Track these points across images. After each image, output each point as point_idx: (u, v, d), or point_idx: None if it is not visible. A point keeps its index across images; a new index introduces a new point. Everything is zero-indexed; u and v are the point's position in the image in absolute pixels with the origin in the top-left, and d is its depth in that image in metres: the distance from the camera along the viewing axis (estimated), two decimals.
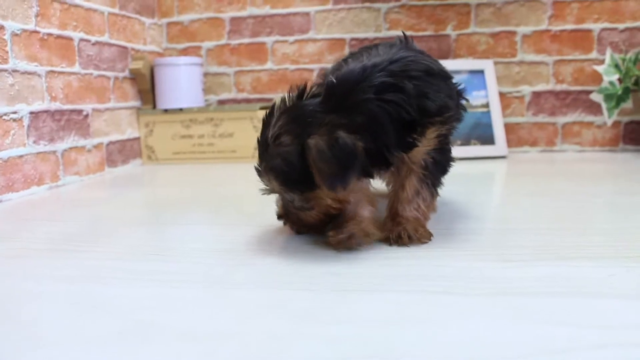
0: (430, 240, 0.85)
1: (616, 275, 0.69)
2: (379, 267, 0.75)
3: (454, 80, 0.91)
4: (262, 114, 1.93)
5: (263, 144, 0.82)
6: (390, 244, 0.84)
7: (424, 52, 0.92)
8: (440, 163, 0.88)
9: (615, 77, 1.89)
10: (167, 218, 1.15)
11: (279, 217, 0.90)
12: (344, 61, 0.92)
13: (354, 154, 0.74)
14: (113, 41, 1.88)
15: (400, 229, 0.84)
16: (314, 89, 0.83)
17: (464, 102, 0.95)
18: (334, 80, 0.79)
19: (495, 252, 0.80)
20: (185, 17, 2.23)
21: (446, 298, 0.62)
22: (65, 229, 1.06)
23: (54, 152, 1.57)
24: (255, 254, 0.84)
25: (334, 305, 0.62)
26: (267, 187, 0.85)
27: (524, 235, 0.89)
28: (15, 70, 1.41)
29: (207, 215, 1.18)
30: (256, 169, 0.85)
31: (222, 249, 0.88)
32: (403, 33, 0.95)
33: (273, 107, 0.84)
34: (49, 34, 1.55)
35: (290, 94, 0.83)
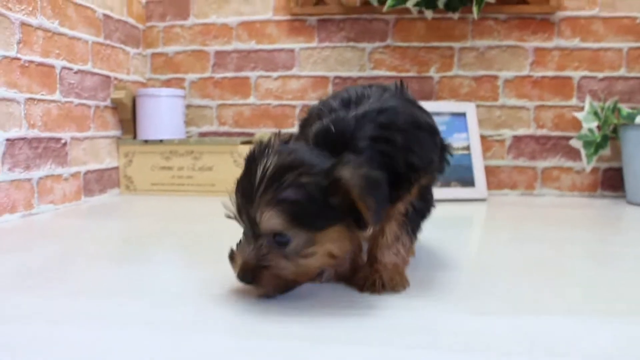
0: (404, 289, 0.83)
1: (587, 334, 0.67)
2: (351, 317, 0.73)
3: (440, 135, 0.92)
4: (243, 148, 1.93)
5: (260, 177, 0.72)
6: (362, 291, 0.82)
7: (415, 102, 0.91)
8: (420, 210, 0.87)
9: (594, 124, 1.91)
10: (138, 254, 1.12)
11: (244, 276, 0.75)
12: (333, 99, 0.87)
13: (384, 187, 0.73)
14: (96, 70, 1.87)
15: (376, 277, 0.82)
16: (293, 138, 0.81)
17: (449, 156, 0.96)
18: (332, 127, 0.78)
19: (467, 303, 0.79)
20: (170, 49, 2.23)
21: (411, 353, 0.61)
22: (30, 262, 1.02)
23: (29, 180, 1.54)
24: (224, 298, 0.81)
25: (301, 356, 0.60)
26: (249, 226, 0.74)
27: (499, 285, 0.88)
28: None
29: (179, 253, 1.15)
30: (240, 203, 0.75)
31: (189, 290, 0.85)
32: (400, 81, 0.93)
33: (261, 144, 0.78)
34: (30, 61, 1.53)
35: (273, 138, 0.79)
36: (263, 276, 0.74)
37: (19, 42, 1.49)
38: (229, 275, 0.91)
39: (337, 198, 0.72)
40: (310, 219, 0.72)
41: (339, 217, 0.73)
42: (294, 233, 0.73)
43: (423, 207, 0.88)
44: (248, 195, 0.73)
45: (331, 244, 0.75)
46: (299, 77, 2.14)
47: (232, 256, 0.78)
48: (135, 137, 2.07)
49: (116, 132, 2.03)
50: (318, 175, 0.72)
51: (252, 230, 0.74)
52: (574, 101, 2.03)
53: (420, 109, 0.90)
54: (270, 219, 0.72)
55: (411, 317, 0.72)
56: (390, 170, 0.77)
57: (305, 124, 0.87)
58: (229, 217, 0.77)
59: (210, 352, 0.60)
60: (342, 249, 0.77)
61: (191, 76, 2.23)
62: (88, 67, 1.82)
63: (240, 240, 0.77)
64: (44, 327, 0.68)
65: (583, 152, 1.94)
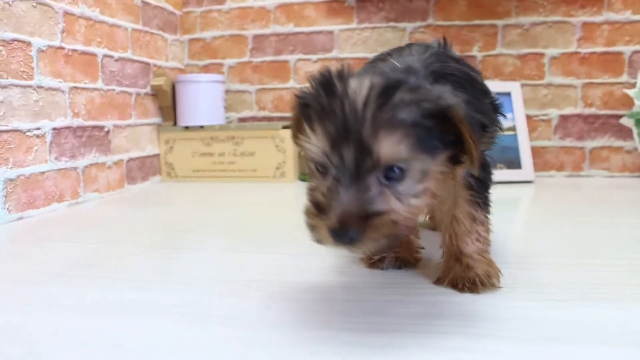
0: (499, 284, 0.76)
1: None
2: (409, 304, 0.71)
3: (492, 94, 0.84)
4: (284, 133, 1.91)
5: (361, 100, 0.58)
6: (462, 290, 0.75)
7: (462, 60, 0.84)
8: (484, 180, 0.79)
9: None
10: (181, 242, 1.12)
11: (345, 231, 0.56)
12: (381, 60, 0.79)
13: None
14: (136, 57, 1.87)
15: (472, 274, 0.75)
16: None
17: (501, 118, 0.86)
18: (398, 65, 0.69)
19: (520, 290, 0.76)
20: (208, 34, 2.22)
21: (478, 340, 0.58)
22: (77, 251, 1.03)
23: (75, 168, 1.55)
24: (267, 286, 0.80)
25: (370, 348, 0.58)
26: (351, 161, 0.58)
27: (549, 272, 0.85)
28: (39, 87, 1.40)
29: (223, 240, 1.14)
30: (333, 132, 0.58)
31: (235, 280, 0.84)
32: (443, 38, 0.87)
33: (328, 72, 0.63)
34: (74, 50, 1.54)
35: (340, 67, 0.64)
36: (374, 226, 0.57)
37: (62, 32, 1.49)
38: (282, 264, 0.90)
39: (442, 126, 0.60)
40: (428, 147, 0.60)
41: (444, 147, 0.62)
42: (414, 163, 0.59)
43: (485, 176, 0.78)
44: (348, 121, 0.57)
45: (435, 180, 0.63)
46: (338, 59, 2.11)
47: (318, 209, 0.59)
48: (175, 123, 2.07)
49: (156, 119, 2.04)
50: (431, 95, 0.60)
51: (356, 167, 0.58)
52: (624, 77, 1.95)
53: (470, 66, 0.83)
54: (392, 146, 0.57)
55: (460, 304, 0.70)
56: None
57: None
58: (312, 159, 0.62)
59: (253, 341, 0.59)
60: (440, 190, 0.66)
61: (229, 61, 2.21)
62: (128, 54, 1.82)
63: (319, 187, 0.61)
64: (89, 317, 0.68)
65: (635, 130, 1.87)
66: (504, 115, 0.87)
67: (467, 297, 0.73)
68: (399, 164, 0.58)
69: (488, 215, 0.81)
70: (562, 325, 0.63)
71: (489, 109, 0.80)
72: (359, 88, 0.59)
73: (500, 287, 0.76)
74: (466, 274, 0.76)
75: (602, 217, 1.30)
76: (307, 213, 0.61)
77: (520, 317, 0.66)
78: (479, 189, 0.78)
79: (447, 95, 0.61)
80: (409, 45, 0.85)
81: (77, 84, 1.55)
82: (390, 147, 0.57)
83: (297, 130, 0.67)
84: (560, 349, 0.56)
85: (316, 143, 0.60)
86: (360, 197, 0.57)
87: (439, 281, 0.79)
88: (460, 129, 0.61)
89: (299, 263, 0.91)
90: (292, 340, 0.60)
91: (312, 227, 0.60)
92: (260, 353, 0.57)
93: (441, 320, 0.65)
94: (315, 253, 0.90)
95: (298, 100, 0.66)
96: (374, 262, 0.86)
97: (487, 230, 0.80)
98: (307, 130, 0.61)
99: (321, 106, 0.60)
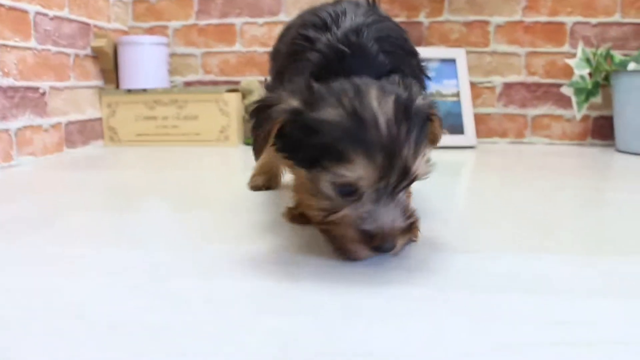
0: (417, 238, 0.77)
1: (580, 272, 0.66)
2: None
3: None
4: (228, 96, 1.89)
5: (388, 119, 0.61)
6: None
7: (391, 18, 0.86)
8: None
9: (586, 71, 1.88)
10: (124, 204, 1.10)
11: (394, 245, 0.63)
12: (303, 27, 0.79)
13: None
14: (73, 17, 1.80)
15: None
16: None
17: (426, 80, 0.89)
18: (346, 49, 0.72)
19: (458, 244, 0.78)
20: None
21: (405, 290, 0.59)
22: (12, 212, 1.00)
23: (7, 130, 1.50)
24: (209, 241, 0.79)
25: (290, 296, 0.58)
26: (394, 181, 0.62)
27: (488, 229, 0.87)
28: None
29: (165, 201, 1.13)
30: (383, 158, 0.60)
31: (173, 236, 0.83)
32: None
33: (320, 94, 0.65)
34: (0, 5, 1.47)
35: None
36: (410, 232, 0.66)
37: None
38: (215, 219, 0.89)
39: None
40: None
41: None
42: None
43: None
44: (388, 147, 0.60)
45: None
46: (285, 22, 2.07)
47: (366, 234, 0.62)
48: (117, 87, 2.02)
49: (98, 82, 1.98)
50: (424, 107, 0.67)
51: (394, 186, 0.62)
52: (566, 47, 1.99)
53: (398, 26, 0.85)
54: (426, 162, 0.65)
55: (400, 258, 0.71)
56: None
57: (285, 58, 0.81)
58: (339, 183, 0.62)
59: (190, 290, 0.59)
60: None
61: (174, 24, 2.16)
62: (65, 13, 1.75)
63: (353, 207, 0.63)
64: (29, 274, 0.66)
65: (574, 99, 1.91)
66: (429, 78, 0.89)
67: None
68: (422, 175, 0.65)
69: None
70: (481, 275, 0.65)
71: (419, 71, 0.81)
72: (383, 109, 0.61)
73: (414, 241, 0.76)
74: None
75: (544, 181, 1.33)
76: (350, 241, 0.64)
77: (448, 268, 0.67)
78: None
79: (432, 102, 0.69)
80: (339, 2, 0.84)
81: (6, 42, 1.49)
82: (422, 165, 0.63)
83: (266, 144, 0.67)
84: (481, 297, 0.58)
85: (355, 170, 0.60)
86: (401, 214, 0.63)
87: None
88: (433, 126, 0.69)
89: (237, 221, 0.90)
90: (236, 291, 0.60)
91: (352, 252, 0.65)
92: (162, 302, 0.56)
93: (359, 274, 0.66)
94: (251, 211, 0.90)
95: (286, 116, 0.65)
96: (294, 216, 0.85)
97: (409, 196, 0.82)
98: (337, 156, 0.61)
99: (349, 132, 0.60)
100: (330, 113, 0.62)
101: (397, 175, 0.61)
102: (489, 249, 0.76)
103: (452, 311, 0.55)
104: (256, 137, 0.69)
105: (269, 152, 0.71)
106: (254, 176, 1.16)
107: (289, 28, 0.94)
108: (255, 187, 1.14)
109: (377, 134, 0.60)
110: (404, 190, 0.65)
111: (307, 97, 0.64)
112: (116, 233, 0.87)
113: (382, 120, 0.60)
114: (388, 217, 0.62)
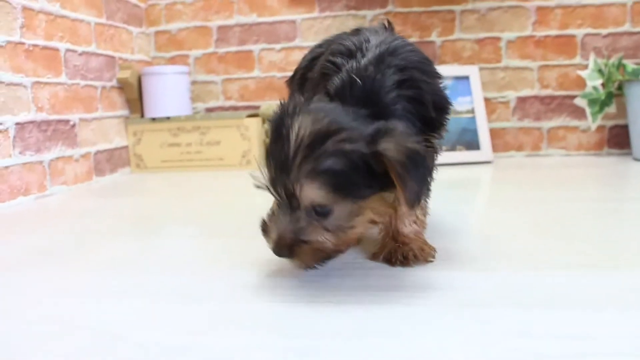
0: (434, 257, 0.82)
1: (593, 285, 0.69)
2: (348, 278, 0.76)
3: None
4: (249, 121, 1.95)
5: (295, 144, 0.66)
6: (394, 264, 0.80)
7: (407, 40, 0.86)
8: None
9: (598, 82, 1.91)
10: (152, 230, 1.16)
11: (280, 251, 0.70)
12: (332, 55, 0.80)
13: (427, 164, 0.68)
14: (100, 51, 1.89)
15: (406, 250, 0.80)
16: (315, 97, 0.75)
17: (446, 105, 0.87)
18: (358, 80, 0.73)
19: (472, 261, 0.81)
20: (173, 26, 2.24)
21: (415, 309, 0.63)
22: (46, 241, 1.06)
23: (41, 162, 1.58)
24: (234, 268, 0.84)
25: (305, 318, 0.63)
26: (285, 198, 0.68)
27: (506, 244, 0.90)
28: (0, 82, 1.42)
29: (193, 227, 1.18)
30: (273, 173, 0.69)
31: (203, 262, 0.88)
32: (387, 20, 0.91)
33: (284, 108, 0.71)
34: (35, 45, 1.56)
35: (297, 98, 0.73)
36: (302, 250, 0.69)
37: (21, 27, 1.51)
38: (240, 247, 0.94)
39: (379, 167, 0.66)
40: (353, 189, 0.67)
41: (381, 184, 0.68)
42: (337, 205, 0.67)
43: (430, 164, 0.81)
44: (283, 164, 0.67)
45: (373, 212, 0.71)
46: (301, 48, 2.14)
47: (265, 228, 0.72)
48: (142, 115, 2.10)
49: (124, 112, 2.06)
50: (360, 142, 0.66)
51: (289, 201, 0.68)
52: (577, 59, 2.02)
53: (415, 46, 0.85)
54: (312, 192, 0.66)
55: (411, 277, 0.75)
56: (421, 118, 0.75)
57: (315, 83, 0.83)
58: (258, 187, 0.71)
59: (215, 313, 0.64)
60: (383, 215, 0.74)
61: (195, 52, 2.24)
62: (92, 48, 1.84)
63: (272, 210, 0.72)
64: (63, 302, 0.72)
65: (588, 110, 1.93)
66: (449, 103, 0.87)
67: (399, 271, 0.78)
68: (321, 205, 0.67)
69: (428, 200, 0.86)
70: (492, 291, 0.68)
71: (435, 97, 0.80)
72: (295, 132, 0.67)
73: (432, 261, 0.81)
74: (401, 250, 0.81)
75: (564, 193, 1.36)
76: (261, 229, 0.72)
77: (448, 285, 0.71)
78: None
79: (384, 139, 0.65)
80: (360, 31, 0.86)
81: (39, 79, 1.58)
82: (310, 193, 0.66)
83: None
84: (486, 312, 0.62)
85: (263, 172, 0.70)
86: (292, 227, 0.68)
87: (374, 257, 0.83)
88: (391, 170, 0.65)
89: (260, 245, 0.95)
90: (257, 315, 0.65)
91: (266, 241, 0.72)
92: (234, 326, 0.62)
93: (362, 291, 0.70)
94: None
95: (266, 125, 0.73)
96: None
97: (425, 215, 0.86)
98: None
99: (271, 140, 0.71)
100: (273, 123, 0.72)
101: (284, 191, 0.68)
102: (508, 265, 0.79)
103: (460, 327, 0.59)
104: None
105: None
106: None
107: (313, 58, 0.94)
108: None
109: (280, 152, 0.67)
110: (304, 212, 0.68)
111: (278, 108, 0.73)
112: (145, 259, 0.92)
113: (291, 144, 0.66)
114: (278, 223, 0.69)
